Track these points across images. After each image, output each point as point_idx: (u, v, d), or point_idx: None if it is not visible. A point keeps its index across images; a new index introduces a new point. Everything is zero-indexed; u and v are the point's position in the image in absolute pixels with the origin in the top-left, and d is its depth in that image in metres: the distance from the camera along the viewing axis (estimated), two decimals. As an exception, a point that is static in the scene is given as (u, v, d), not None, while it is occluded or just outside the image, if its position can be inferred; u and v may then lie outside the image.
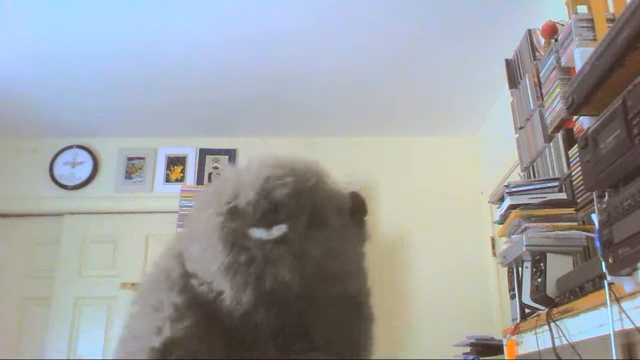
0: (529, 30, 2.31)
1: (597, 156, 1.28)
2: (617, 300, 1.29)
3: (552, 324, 1.63)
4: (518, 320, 1.98)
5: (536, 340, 1.75)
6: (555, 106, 2.00)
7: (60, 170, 3.86)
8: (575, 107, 1.40)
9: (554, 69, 2.00)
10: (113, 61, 3.05)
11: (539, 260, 1.77)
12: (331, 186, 0.99)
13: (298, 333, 0.93)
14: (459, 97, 3.46)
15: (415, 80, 3.29)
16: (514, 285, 2.05)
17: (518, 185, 2.01)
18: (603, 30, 1.77)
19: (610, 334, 1.33)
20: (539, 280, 1.73)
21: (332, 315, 0.97)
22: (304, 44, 2.93)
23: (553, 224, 1.81)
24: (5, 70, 3.14)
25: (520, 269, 1.98)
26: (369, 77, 3.25)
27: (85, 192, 3.85)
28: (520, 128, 2.39)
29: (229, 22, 2.75)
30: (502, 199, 2.07)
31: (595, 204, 1.47)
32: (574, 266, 1.72)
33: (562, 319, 1.61)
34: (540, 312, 1.77)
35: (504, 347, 2.16)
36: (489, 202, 2.36)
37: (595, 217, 1.39)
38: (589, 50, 1.59)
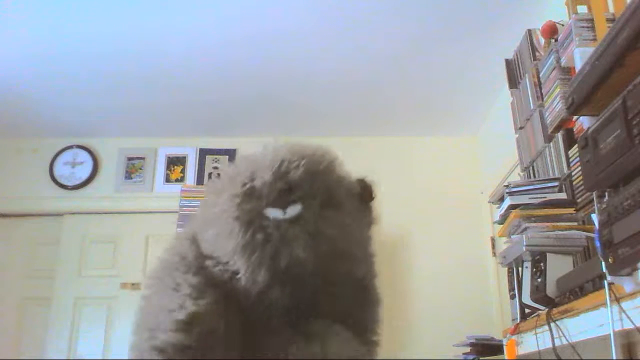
0: (529, 30, 2.31)
1: (597, 156, 1.28)
2: (617, 300, 1.29)
3: (552, 324, 1.63)
4: (518, 320, 1.98)
5: (536, 340, 1.75)
6: (555, 106, 2.00)
7: (60, 170, 3.86)
8: (575, 107, 1.40)
9: (554, 69, 2.00)
10: (113, 61, 3.05)
11: (539, 260, 1.77)
12: (341, 171, 1.03)
13: (310, 311, 0.96)
14: (459, 97, 3.46)
15: (415, 80, 3.29)
16: (514, 285, 2.05)
17: (518, 185, 2.01)
18: (603, 30, 1.77)
19: (610, 334, 1.33)
20: (539, 280, 1.73)
21: (342, 294, 0.99)
22: (304, 44, 2.93)
23: (553, 224, 1.82)
24: (5, 70, 3.14)
25: (520, 269, 1.98)
26: (369, 77, 3.25)
27: (85, 192, 3.84)
28: (520, 128, 2.39)
29: (229, 22, 2.75)
30: (502, 199, 2.07)
31: (595, 204, 1.47)
32: (574, 266, 1.72)
33: (562, 319, 1.61)
34: (540, 312, 1.77)
35: (504, 347, 2.16)
36: (489, 202, 2.36)
37: (595, 217, 1.39)
38: (589, 50, 1.59)
